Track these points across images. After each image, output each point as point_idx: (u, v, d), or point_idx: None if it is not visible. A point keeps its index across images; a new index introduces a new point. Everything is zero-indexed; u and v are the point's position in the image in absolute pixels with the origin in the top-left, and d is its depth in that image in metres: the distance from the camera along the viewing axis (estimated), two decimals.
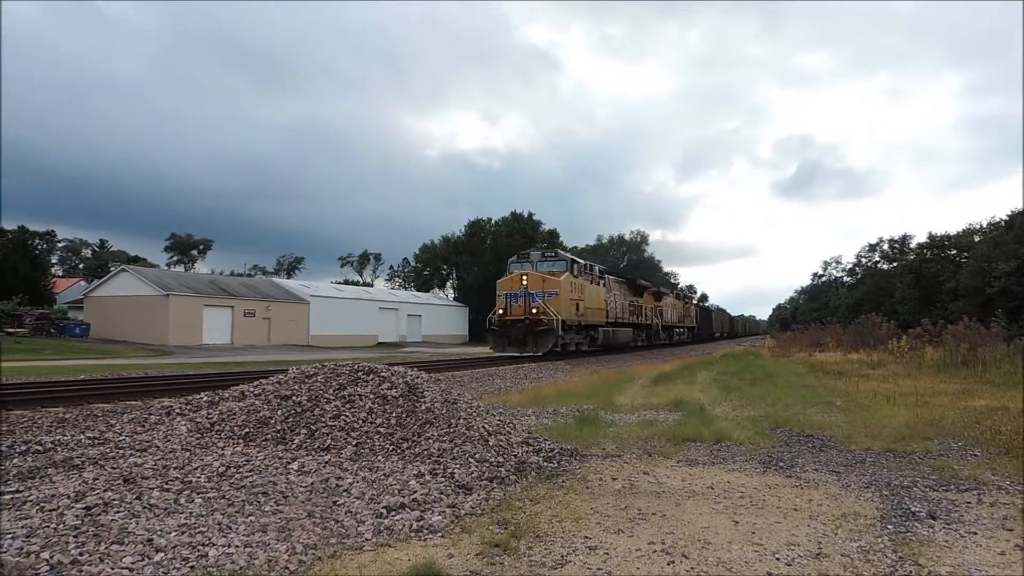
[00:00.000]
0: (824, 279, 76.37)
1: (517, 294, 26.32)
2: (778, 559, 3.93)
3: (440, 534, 4.30)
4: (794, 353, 30.97)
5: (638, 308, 38.92)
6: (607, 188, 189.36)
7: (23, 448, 6.12)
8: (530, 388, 15.97)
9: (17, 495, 4.62)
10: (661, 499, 5.23)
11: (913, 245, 56.15)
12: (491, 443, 6.35)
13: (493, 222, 78.29)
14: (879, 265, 62.31)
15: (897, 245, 60.43)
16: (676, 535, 4.33)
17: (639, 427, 8.74)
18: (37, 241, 70.06)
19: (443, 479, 5.45)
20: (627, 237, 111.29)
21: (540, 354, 25.66)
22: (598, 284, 31.48)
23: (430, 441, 6.32)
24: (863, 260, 65.20)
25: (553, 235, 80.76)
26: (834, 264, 74.22)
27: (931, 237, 50.14)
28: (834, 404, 11.33)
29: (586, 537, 4.26)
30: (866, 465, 6.61)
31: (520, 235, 73.44)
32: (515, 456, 6.20)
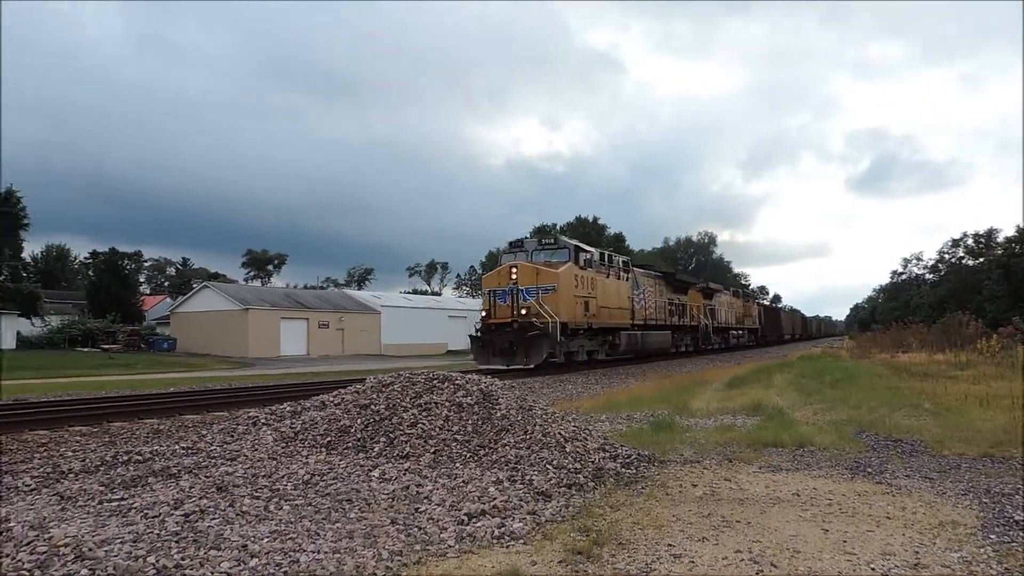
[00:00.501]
0: (904, 277, 73.23)
1: (504, 291, 21.46)
2: (873, 569, 3.79)
3: (522, 541, 4.32)
4: (875, 354, 29.73)
5: (680, 308, 33.54)
6: (672, 189, 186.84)
7: (125, 458, 6.47)
8: (602, 393, 15.87)
9: (123, 502, 4.88)
10: (745, 506, 5.11)
11: (1000, 239, 53.25)
12: (568, 449, 6.35)
13: (558, 227, 78.28)
14: (963, 261, 59.34)
15: (983, 239, 57.44)
16: (763, 543, 4.23)
17: (716, 432, 8.57)
18: (126, 262, 73.87)
19: (522, 486, 5.48)
20: (694, 239, 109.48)
21: (531, 367, 20.64)
22: (620, 278, 26.35)
23: (507, 448, 6.37)
24: (946, 256, 62.26)
25: (619, 239, 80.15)
26: (915, 261, 71.07)
27: (1020, 230, 47.40)
28: (922, 407, 10.83)
29: (670, 545, 4.21)
30: (961, 471, 6.30)
31: (586, 239, 73.24)
32: (592, 462, 6.18)
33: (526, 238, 24.02)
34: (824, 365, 22.67)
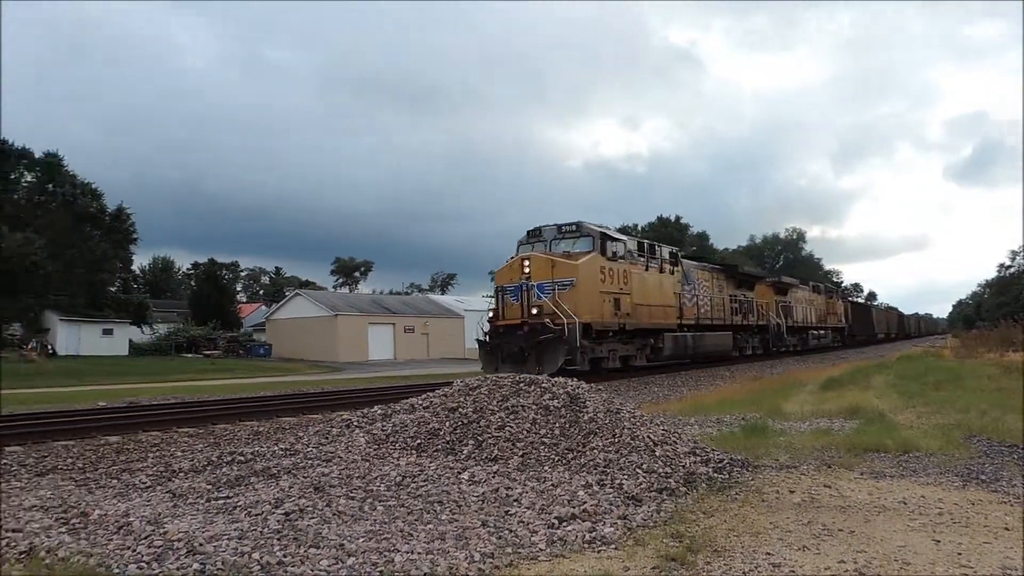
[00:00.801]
0: (1013, 270, 68.51)
1: (516, 288, 18.47)
2: None
3: (613, 546, 4.28)
4: (982, 354, 27.88)
5: (745, 304, 29.75)
6: (758, 186, 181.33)
7: (229, 458, 6.79)
8: (689, 396, 15.56)
9: (228, 500, 5.13)
10: (847, 514, 4.89)
11: None
12: (657, 453, 6.25)
13: (639, 228, 77.29)
14: None
15: None
16: (869, 554, 4.03)
17: (812, 436, 8.24)
18: (224, 272, 77.75)
19: (611, 490, 5.42)
20: (782, 236, 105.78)
21: (545, 376, 17.81)
22: (664, 271, 22.65)
23: (595, 451, 6.32)
24: None
25: (702, 237, 78.45)
26: None
27: None
28: None
29: (768, 553, 4.07)
30: None
31: (668, 239, 72.00)
32: (683, 467, 6.06)
33: (545, 226, 20.31)
34: (926, 365, 21.44)
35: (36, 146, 54.37)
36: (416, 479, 5.74)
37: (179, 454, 8.17)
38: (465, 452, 6.63)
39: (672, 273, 23.15)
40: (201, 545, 4.09)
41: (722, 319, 27.13)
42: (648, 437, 6.54)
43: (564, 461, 6.27)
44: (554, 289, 17.89)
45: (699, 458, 6.43)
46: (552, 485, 5.55)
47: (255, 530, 4.40)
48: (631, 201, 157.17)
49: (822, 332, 41.47)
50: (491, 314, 19.11)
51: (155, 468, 6.79)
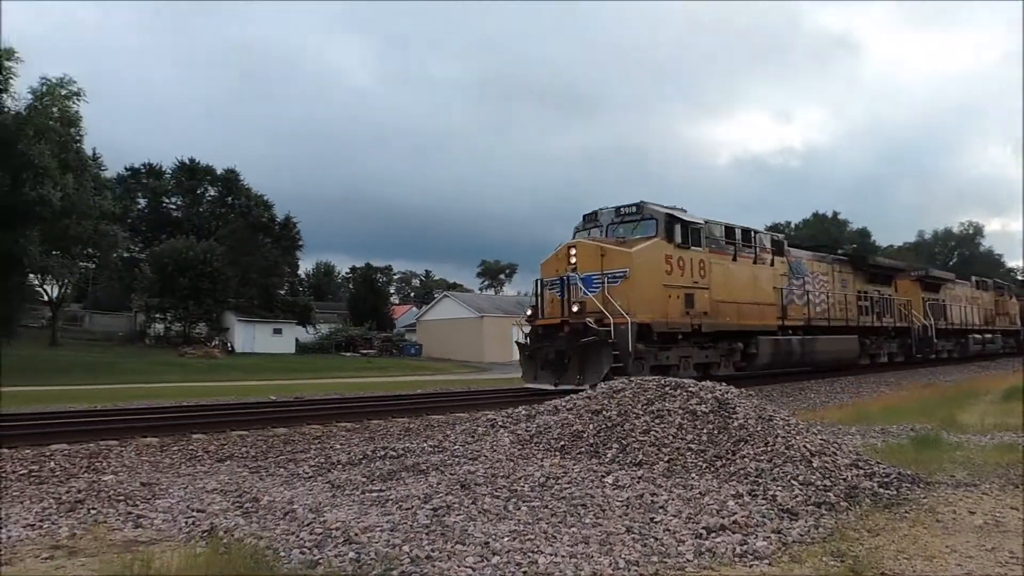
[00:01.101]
0: None
1: (559, 281, 15.51)
2: None
3: (767, 561, 4.05)
4: None
5: (879, 303, 25.14)
6: (926, 177, 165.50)
7: (382, 453, 7.14)
8: (850, 404, 14.51)
9: (381, 493, 5.38)
10: None
11: None
12: (815, 464, 5.86)
13: (793, 226, 73.30)
14: None
15: None
16: None
17: (996, 452, 7.42)
18: (379, 275, 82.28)
19: (764, 501, 5.15)
20: (955, 230, 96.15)
21: (587, 388, 10.67)
22: (759, 262, 18.88)
23: (745, 460, 6.03)
24: None
25: (863, 234, 73.11)
26: None
27: None
28: None
29: None
30: None
31: (825, 236, 67.73)
32: (844, 480, 5.64)
33: (604, 208, 17.14)
34: None
35: (217, 163, 60.17)
36: (560, 481, 5.74)
37: (338, 447, 8.69)
38: (609, 455, 6.55)
39: (772, 264, 19.38)
40: (356, 535, 4.31)
41: (843, 320, 22.78)
42: (804, 446, 6.16)
43: (712, 469, 6.04)
44: (605, 281, 14.89)
45: (862, 471, 5.96)
46: (699, 493, 5.36)
47: (405, 523, 4.58)
48: (784, 197, 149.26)
49: (988, 336, 34.88)
50: (529, 312, 16.47)
51: (316, 459, 7.27)
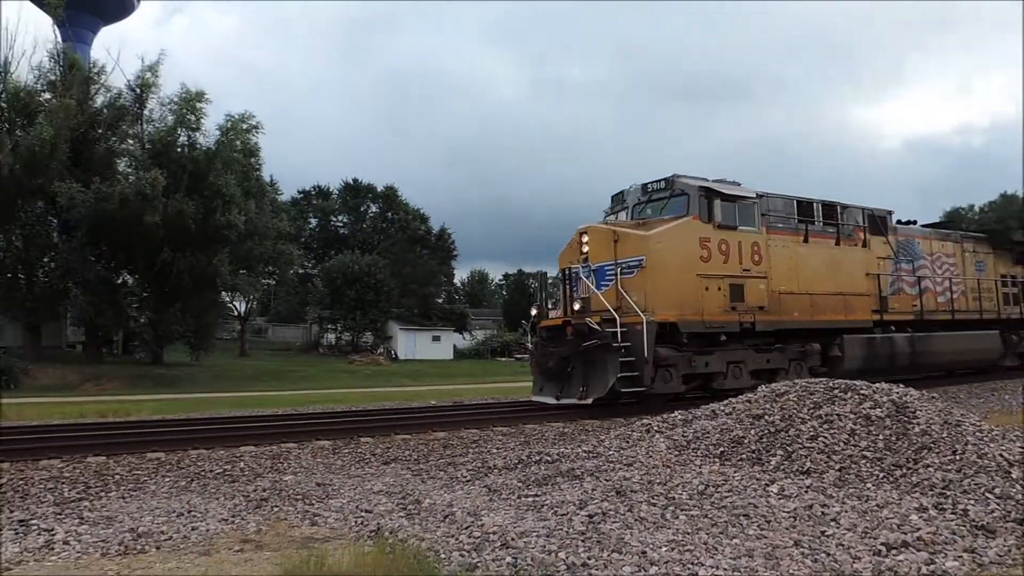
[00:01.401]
0: None
1: (570, 273, 13.19)
2: None
3: None
4: None
5: None
6: None
7: (537, 457, 7.22)
8: None
9: (536, 499, 5.43)
10: None
11: None
12: (1014, 475, 5.22)
13: (975, 209, 66.05)
14: None
15: None
16: None
17: None
18: (531, 280, 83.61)
19: (953, 516, 4.65)
20: None
21: (587, 402, 12.04)
22: (844, 244, 15.59)
23: (930, 469, 5.49)
24: None
25: None
26: None
27: None
28: None
29: None
30: None
31: (1015, 219, 60.37)
32: None
33: (632, 187, 14.44)
34: None
35: (378, 181, 63.98)
36: (720, 489, 5.51)
37: (494, 451, 8.89)
38: (773, 463, 6.21)
39: (864, 245, 15.93)
40: (513, 540, 4.37)
41: (977, 311, 18.49)
42: (1001, 455, 5.51)
43: (891, 479, 5.55)
44: (619, 271, 12.55)
45: None
46: (877, 506, 4.94)
47: (561, 529, 4.58)
48: (965, 178, 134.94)
49: None
50: (534, 312, 14.38)
51: (474, 463, 7.48)
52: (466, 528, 4.72)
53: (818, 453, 6.12)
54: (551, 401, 12.78)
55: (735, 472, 6.03)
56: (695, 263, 12.95)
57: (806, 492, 5.35)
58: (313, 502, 6.09)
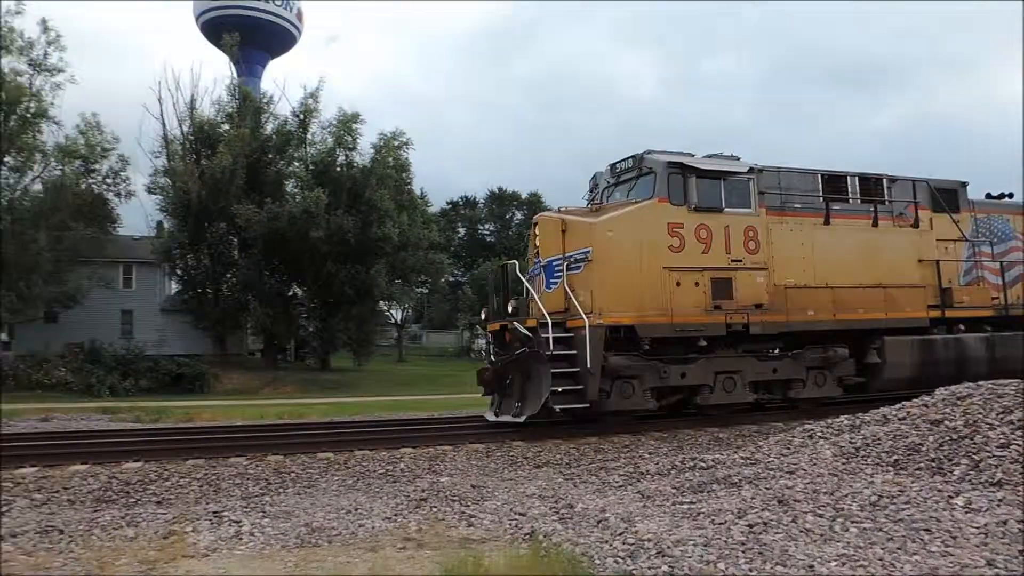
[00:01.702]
0: None
1: (507, 270, 11.66)
2: None
3: None
4: None
5: None
6: None
7: (691, 463, 7.03)
8: None
9: (692, 506, 5.28)
10: None
11: None
12: None
13: None
14: None
15: None
16: None
17: None
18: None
19: None
20: None
21: (520, 420, 10.33)
22: (897, 223, 12.91)
23: None
24: None
25: None
26: None
27: None
28: None
29: None
30: None
31: None
32: None
33: (610, 164, 12.35)
34: None
35: (522, 188, 65.10)
36: (895, 500, 5.09)
37: (646, 456, 8.75)
38: (957, 473, 5.65)
39: (916, 225, 13.02)
40: (669, 548, 4.28)
41: None
42: None
43: None
44: (565, 266, 10.73)
45: None
46: None
47: (719, 539, 4.42)
48: None
49: None
50: (484, 314, 12.62)
51: (626, 469, 7.40)
52: (620, 534, 4.68)
53: (1011, 463, 5.50)
54: (491, 418, 11.37)
55: (912, 482, 5.55)
56: (661, 254, 10.82)
57: (998, 506, 4.82)
58: (469, 503, 6.28)
